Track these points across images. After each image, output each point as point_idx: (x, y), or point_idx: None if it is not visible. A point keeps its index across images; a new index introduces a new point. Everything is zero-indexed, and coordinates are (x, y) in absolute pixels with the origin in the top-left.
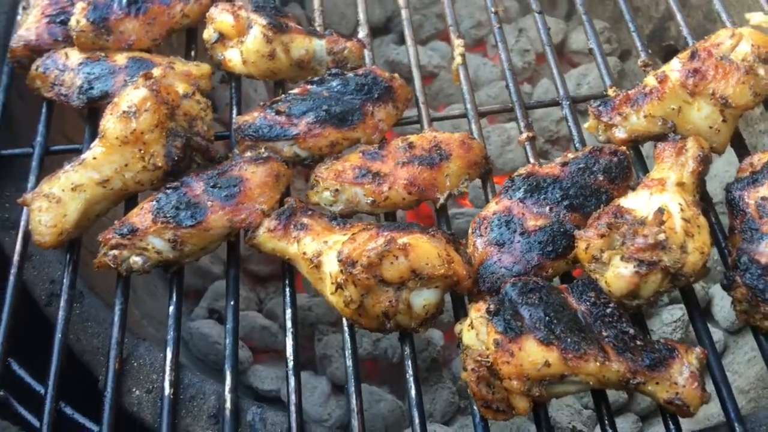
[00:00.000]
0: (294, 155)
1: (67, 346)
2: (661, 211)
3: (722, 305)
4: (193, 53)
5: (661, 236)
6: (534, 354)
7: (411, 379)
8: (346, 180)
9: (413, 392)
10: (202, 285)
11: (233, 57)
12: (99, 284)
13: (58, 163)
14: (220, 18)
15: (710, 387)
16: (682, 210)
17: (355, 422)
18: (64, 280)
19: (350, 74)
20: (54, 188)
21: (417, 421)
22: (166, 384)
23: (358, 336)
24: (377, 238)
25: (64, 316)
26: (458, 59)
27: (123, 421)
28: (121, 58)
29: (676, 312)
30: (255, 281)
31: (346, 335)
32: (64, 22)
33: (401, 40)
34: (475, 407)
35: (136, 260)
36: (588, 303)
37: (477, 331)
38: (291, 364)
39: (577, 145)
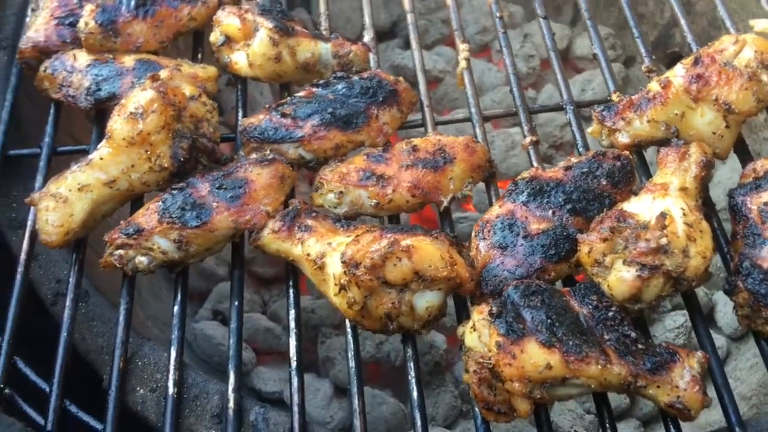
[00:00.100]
0: (299, 157)
1: (73, 345)
2: (663, 215)
3: (725, 311)
4: (199, 56)
5: (664, 240)
6: (536, 356)
7: (413, 382)
8: (351, 182)
9: (415, 395)
10: (207, 287)
11: (239, 60)
12: (104, 284)
13: (65, 163)
14: (227, 21)
15: (712, 392)
16: (684, 214)
17: (357, 423)
18: (70, 280)
19: (355, 77)
20: (61, 188)
21: (419, 424)
22: (170, 383)
23: (361, 338)
24: (381, 239)
25: (70, 315)
26: (463, 64)
27: (127, 420)
28: (128, 60)
29: (679, 318)
30: (259, 283)
31: (350, 337)
32: (73, 24)
33: (407, 45)
34: (477, 410)
35: (142, 260)
36: (590, 306)
37: (479, 333)
38: (294, 364)
39: (580, 149)
